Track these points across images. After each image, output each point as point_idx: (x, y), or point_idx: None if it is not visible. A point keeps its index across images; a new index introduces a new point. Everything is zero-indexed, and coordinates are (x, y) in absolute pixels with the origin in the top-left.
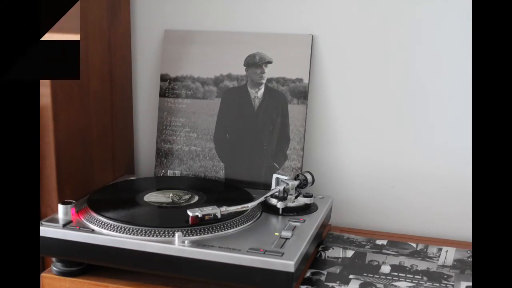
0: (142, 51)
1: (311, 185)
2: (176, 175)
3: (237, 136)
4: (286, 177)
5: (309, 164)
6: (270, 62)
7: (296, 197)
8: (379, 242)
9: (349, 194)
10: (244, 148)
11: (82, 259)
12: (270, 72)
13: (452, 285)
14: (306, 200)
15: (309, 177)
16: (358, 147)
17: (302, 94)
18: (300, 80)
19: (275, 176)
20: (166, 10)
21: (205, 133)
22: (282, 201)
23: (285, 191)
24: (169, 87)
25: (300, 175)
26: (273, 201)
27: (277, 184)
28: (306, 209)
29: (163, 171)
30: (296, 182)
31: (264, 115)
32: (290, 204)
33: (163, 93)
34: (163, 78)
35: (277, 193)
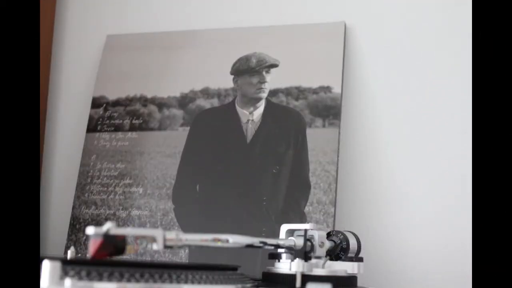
0: (68, 66)
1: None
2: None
3: (216, 188)
4: (308, 225)
5: (345, 228)
6: (274, 66)
7: (327, 261)
8: None
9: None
10: (226, 208)
11: None
12: (275, 80)
13: None
14: (346, 267)
15: (351, 239)
16: (426, 199)
17: (331, 111)
18: (328, 89)
19: (285, 227)
20: (107, 10)
21: (158, 185)
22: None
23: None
24: (103, 115)
25: (336, 235)
26: (282, 264)
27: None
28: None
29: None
30: (328, 243)
31: (263, 149)
32: (317, 271)
33: (93, 126)
34: (96, 103)
35: (290, 248)
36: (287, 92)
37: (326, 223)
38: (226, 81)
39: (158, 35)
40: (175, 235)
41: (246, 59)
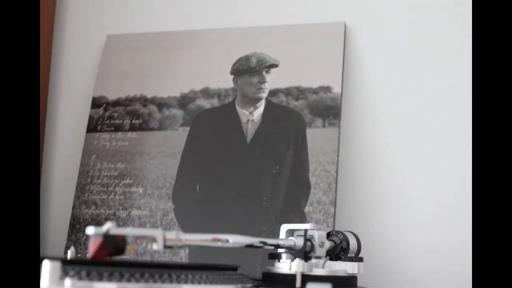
0: (68, 66)
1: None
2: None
3: (216, 188)
4: (308, 225)
5: (345, 228)
6: (274, 66)
7: (327, 261)
8: None
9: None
10: (226, 208)
11: None
12: (275, 80)
13: None
14: (346, 267)
15: (351, 239)
16: (426, 199)
17: (331, 111)
18: (328, 89)
19: (285, 227)
20: (107, 10)
21: (158, 185)
22: (301, 260)
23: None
24: (103, 115)
25: (336, 235)
26: (282, 264)
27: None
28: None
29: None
30: (328, 243)
31: (263, 149)
32: (317, 271)
33: (93, 126)
34: (96, 103)
35: (290, 248)
36: (287, 92)
37: (326, 223)
38: (226, 81)
39: (158, 35)
40: (175, 235)
41: (246, 59)
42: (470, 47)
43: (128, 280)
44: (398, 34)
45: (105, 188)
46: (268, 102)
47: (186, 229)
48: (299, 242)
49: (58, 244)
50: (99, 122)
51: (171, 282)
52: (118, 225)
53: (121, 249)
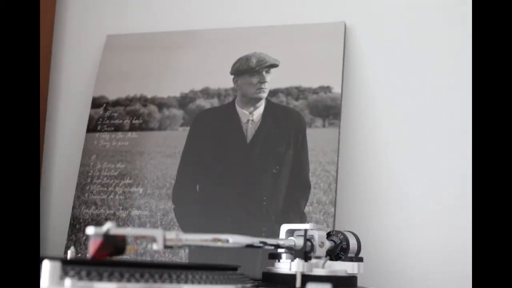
0: (68, 66)
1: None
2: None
3: (216, 188)
4: (308, 225)
5: (345, 228)
6: (274, 66)
7: (327, 261)
8: None
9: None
10: (226, 208)
11: None
12: (275, 80)
13: None
14: (346, 267)
15: (351, 239)
16: (426, 199)
17: (331, 111)
18: (328, 89)
19: (285, 227)
20: (107, 10)
21: (158, 185)
22: (301, 260)
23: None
24: (103, 115)
25: (336, 235)
26: (282, 264)
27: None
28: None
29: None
30: (328, 243)
31: (263, 149)
32: (317, 271)
33: (93, 126)
34: (96, 103)
35: (290, 248)
36: (287, 92)
37: (326, 223)
38: (226, 81)
39: (158, 35)
40: (175, 235)
41: (246, 59)
42: (470, 47)
43: (128, 280)
44: (398, 34)
45: (105, 188)
46: (268, 102)
47: (186, 229)
48: (299, 242)
49: (58, 244)
50: (99, 122)
51: (171, 282)
52: (118, 225)
53: (121, 249)
